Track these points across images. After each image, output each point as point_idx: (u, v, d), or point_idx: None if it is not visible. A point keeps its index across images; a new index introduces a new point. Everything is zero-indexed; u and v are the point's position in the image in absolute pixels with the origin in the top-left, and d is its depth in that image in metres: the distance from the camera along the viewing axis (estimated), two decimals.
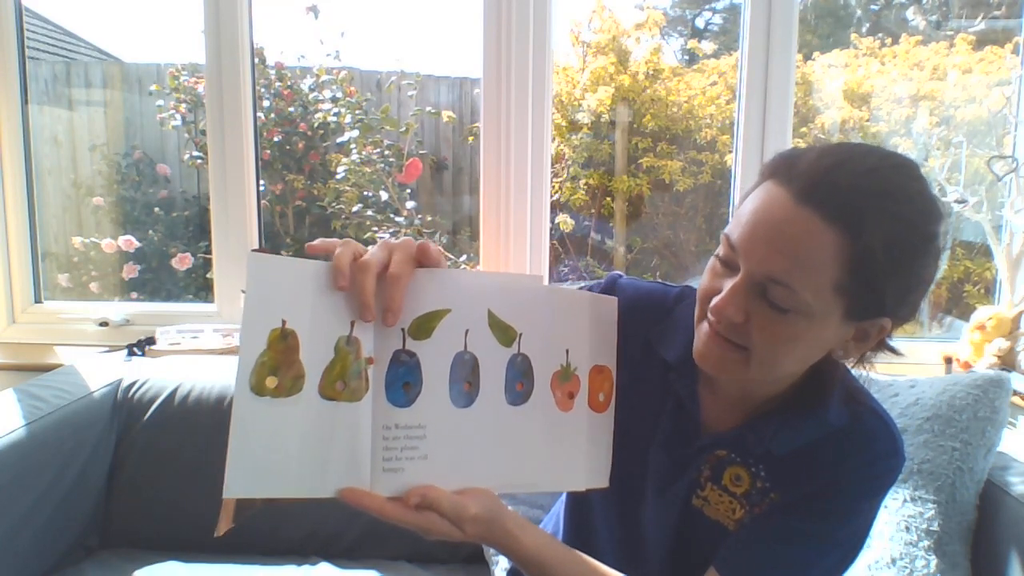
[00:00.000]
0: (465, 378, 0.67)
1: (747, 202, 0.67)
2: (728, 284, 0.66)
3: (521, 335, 0.70)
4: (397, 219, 2.33)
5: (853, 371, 0.79)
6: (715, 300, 0.66)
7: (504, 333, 0.69)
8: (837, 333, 0.67)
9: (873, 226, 0.61)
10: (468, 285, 0.68)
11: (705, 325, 0.70)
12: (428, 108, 2.58)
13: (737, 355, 0.68)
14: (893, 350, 0.72)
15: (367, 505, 0.62)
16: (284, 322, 0.60)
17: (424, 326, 0.66)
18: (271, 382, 0.59)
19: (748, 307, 0.65)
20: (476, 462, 0.68)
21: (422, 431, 0.65)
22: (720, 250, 0.69)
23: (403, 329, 0.65)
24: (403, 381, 0.65)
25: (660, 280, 0.88)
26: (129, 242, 2.19)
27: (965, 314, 1.96)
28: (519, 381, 0.70)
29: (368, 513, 0.62)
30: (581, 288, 0.87)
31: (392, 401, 0.65)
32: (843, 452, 0.72)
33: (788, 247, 0.62)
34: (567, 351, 0.74)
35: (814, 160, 0.64)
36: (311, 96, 2.57)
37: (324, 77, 2.54)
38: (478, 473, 0.68)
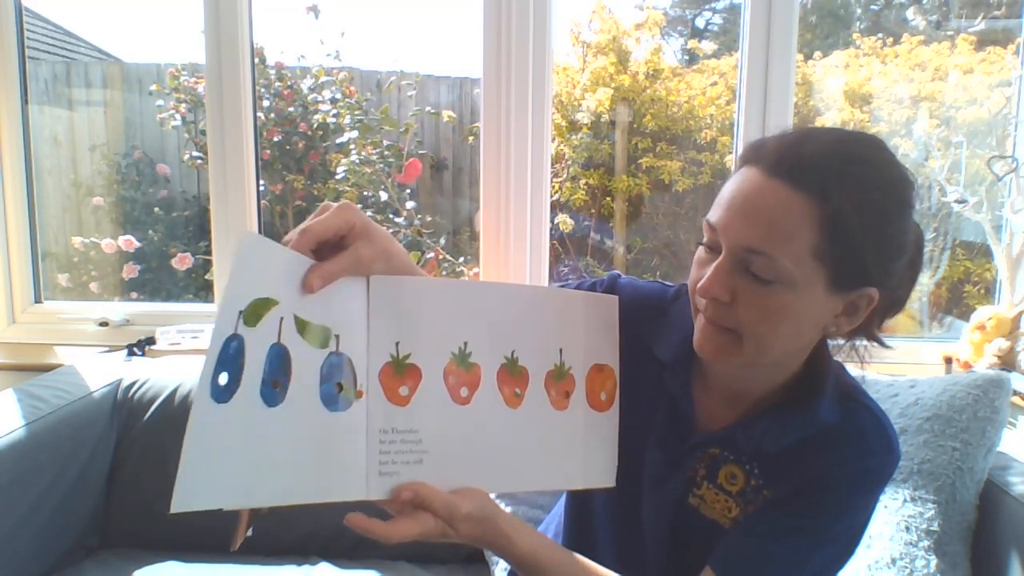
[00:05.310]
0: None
1: (724, 189, 0.70)
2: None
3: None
4: (397, 220, 2.32)
5: (852, 371, 0.79)
6: (700, 282, 0.68)
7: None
8: (825, 306, 0.68)
9: (839, 188, 0.63)
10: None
11: (700, 316, 0.71)
12: (428, 108, 2.58)
13: (728, 339, 0.69)
14: (881, 342, 0.74)
15: (374, 532, 0.62)
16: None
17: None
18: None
19: (733, 285, 0.67)
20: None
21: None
22: (704, 237, 0.71)
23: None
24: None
25: (660, 280, 0.88)
26: (129, 242, 2.18)
27: (965, 314, 1.96)
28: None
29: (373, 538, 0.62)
30: (580, 284, 0.87)
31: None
32: (834, 448, 0.73)
33: (761, 217, 0.64)
34: (560, 350, 0.75)
35: (780, 138, 0.68)
36: (310, 97, 2.57)
37: (324, 78, 2.54)
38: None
